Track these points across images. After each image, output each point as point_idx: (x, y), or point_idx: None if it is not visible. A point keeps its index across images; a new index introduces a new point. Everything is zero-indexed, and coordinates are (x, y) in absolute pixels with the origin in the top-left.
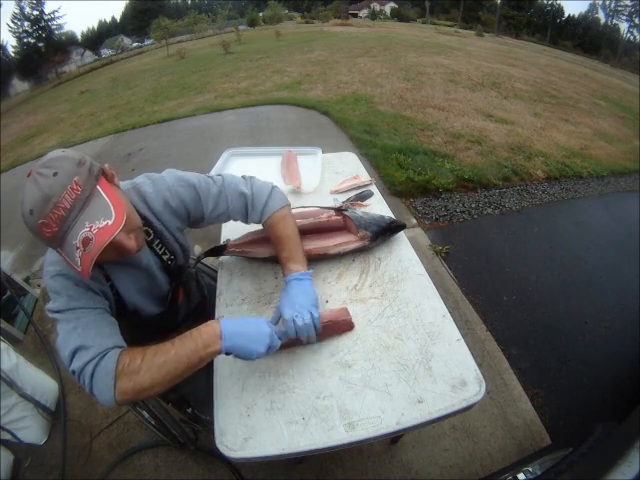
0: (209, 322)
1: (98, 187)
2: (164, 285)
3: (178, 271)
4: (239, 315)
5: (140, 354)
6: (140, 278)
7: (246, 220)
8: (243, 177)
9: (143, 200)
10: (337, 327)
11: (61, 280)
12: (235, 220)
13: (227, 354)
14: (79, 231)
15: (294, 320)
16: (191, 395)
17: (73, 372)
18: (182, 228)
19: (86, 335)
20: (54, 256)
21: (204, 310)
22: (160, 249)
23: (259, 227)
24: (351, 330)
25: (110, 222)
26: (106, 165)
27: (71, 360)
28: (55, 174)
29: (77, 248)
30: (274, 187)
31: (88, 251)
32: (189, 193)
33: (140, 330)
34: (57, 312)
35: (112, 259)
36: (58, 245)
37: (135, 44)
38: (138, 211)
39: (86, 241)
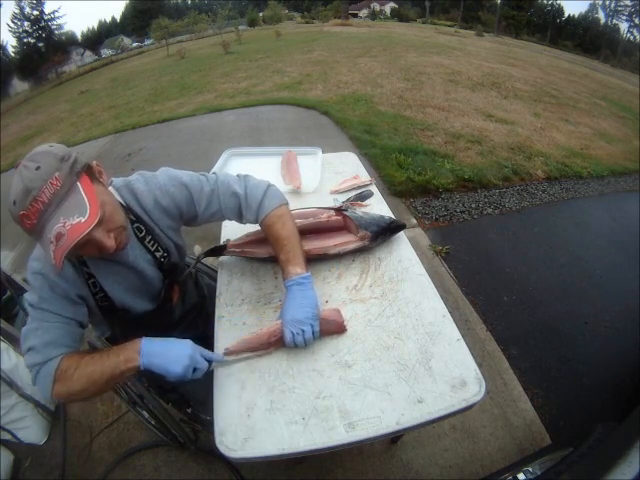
0: (135, 340)
1: (78, 184)
2: (156, 282)
3: (172, 268)
4: (239, 315)
5: (76, 362)
6: (128, 276)
7: (241, 220)
8: (238, 176)
9: (135, 198)
10: (327, 327)
11: (40, 280)
12: (230, 220)
13: (147, 371)
14: (54, 226)
15: (294, 337)
16: (190, 395)
17: (25, 363)
18: (175, 227)
19: (42, 339)
20: (39, 251)
21: (203, 310)
22: (152, 246)
23: (258, 227)
24: (342, 333)
25: (83, 219)
26: (94, 162)
27: (25, 354)
28: (37, 168)
29: (51, 242)
30: (270, 185)
31: (59, 246)
32: (180, 192)
33: (133, 328)
34: (29, 305)
35: (94, 255)
36: (37, 237)
37: (135, 44)
38: (130, 208)
39: (59, 236)
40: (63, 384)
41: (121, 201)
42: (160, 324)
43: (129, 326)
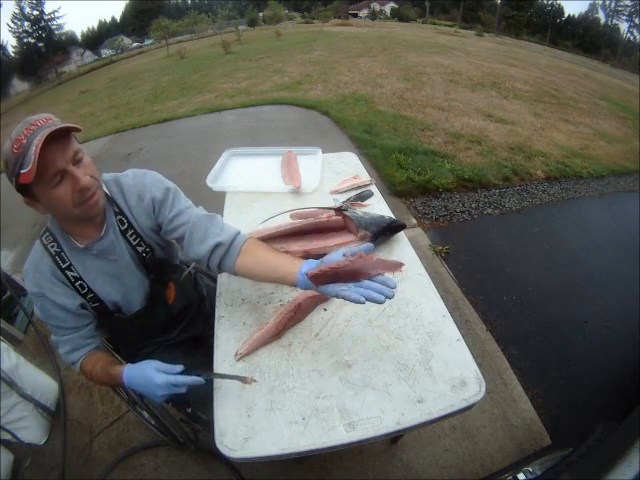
0: (120, 367)
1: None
2: (141, 278)
3: (157, 264)
4: (239, 315)
5: (90, 369)
6: (115, 272)
7: (205, 243)
8: None
9: (120, 191)
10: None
11: (41, 300)
12: (189, 241)
13: None
14: (40, 133)
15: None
16: (190, 394)
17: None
18: (155, 229)
19: (63, 349)
20: (37, 278)
21: (202, 310)
22: (135, 240)
23: (260, 227)
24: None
25: (63, 124)
26: None
27: (60, 355)
28: (38, 115)
29: (35, 143)
30: None
31: (40, 137)
32: (159, 193)
33: (130, 328)
34: (42, 320)
35: (71, 208)
36: (21, 162)
37: (135, 44)
38: (114, 201)
39: (43, 134)
40: (88, 379)
41: (107, 192)
42: (157, 323)
43: (126, 327)
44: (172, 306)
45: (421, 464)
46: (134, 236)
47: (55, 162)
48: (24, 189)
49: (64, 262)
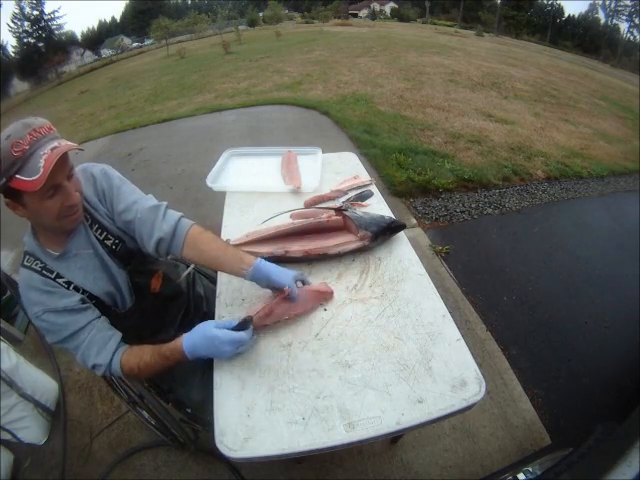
0: (177, 339)
1: None
2: (120, 271)
3: (130, 255)
4: (239, 315)
5: (137, 364)
6: (100, 265)
7: (151, 237)
8: None
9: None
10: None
11: (46, 317)
12: (140, 237)
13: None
14: (49, 146)
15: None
16: (185, 398)
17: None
18: (112, 217)
19: (92, 355)
20: (33, 297)
21: (200, 310)
22: (101, 234)
23: (258, 227)
24: (331, 298)
25: (75, 145)
26: None
27: (92, 369)
28: (35, 118)
29: (44, 154)
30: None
31: (54, 152)
32: (107, 186)
33: (130, 326)
34: (59, 343)
35: (54, 220)
36: (19, 167)
37: (135, 44)
38: None
39: (54, 148)
40: (135, 375)
41: None
42: (149, 314)
43: (123, 324)
44: (158, 294)
45: (421, 464)
46: (99, 230)
47: (55, 177)
48: (11, 192)
49: (52, 273)
